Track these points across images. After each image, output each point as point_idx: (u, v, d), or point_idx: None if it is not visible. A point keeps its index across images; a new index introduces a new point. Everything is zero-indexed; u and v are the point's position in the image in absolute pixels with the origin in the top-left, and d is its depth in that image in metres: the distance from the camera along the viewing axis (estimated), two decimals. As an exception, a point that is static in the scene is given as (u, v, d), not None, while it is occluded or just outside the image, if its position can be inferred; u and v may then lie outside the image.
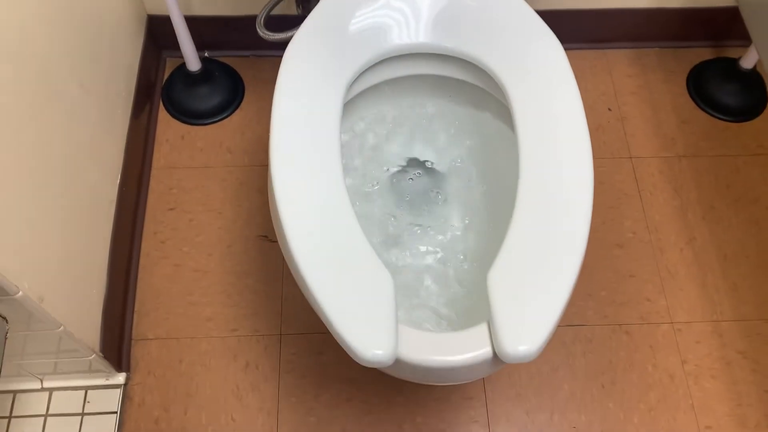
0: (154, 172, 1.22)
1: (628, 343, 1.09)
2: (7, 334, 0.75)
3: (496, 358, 0.68)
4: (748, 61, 1.29)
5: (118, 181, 1.09)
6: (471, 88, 0.91)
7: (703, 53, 1.37)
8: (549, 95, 0.82)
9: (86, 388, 1.03)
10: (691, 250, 1.17)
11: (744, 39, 1.31)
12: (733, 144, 1.27)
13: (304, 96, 0.81)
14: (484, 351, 0.68)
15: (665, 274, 1.15)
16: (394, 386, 1.05)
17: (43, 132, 0.85)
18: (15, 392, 1.03)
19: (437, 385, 1.04)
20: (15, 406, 1.02)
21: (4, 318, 0.76)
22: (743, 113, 1.30)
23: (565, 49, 0.86)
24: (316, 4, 0.90)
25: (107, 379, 1.04)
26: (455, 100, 0.97)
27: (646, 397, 1.05)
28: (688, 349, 1.09)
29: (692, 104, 1.32)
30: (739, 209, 1.21)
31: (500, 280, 0.70)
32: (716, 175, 1.24)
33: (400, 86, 0.95)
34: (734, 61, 1.32)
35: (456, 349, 0.68)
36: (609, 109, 1.31)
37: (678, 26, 1.33)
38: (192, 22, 1.19)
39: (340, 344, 0.67)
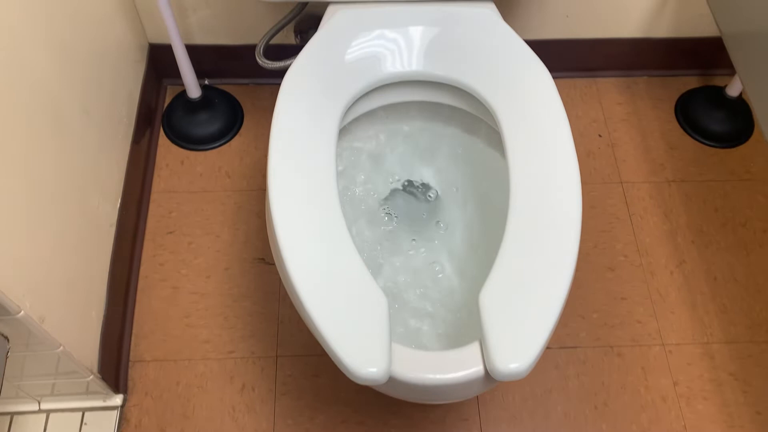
0: (154, 196, 1.24)
1: (620, 364, 1.11)
2: (8, 353, 0.76)
3: (488, 376, 0.69)
4: (733, 89, 1.33)
5: (119, 204, 1.11)
6: (463, 114, 0.94)
7: (690, 81, 1.41)
8: (537, 121, 0.85)
9: (83, 410, 1.04)
10: (681, 273, 1.19)
11: (729, 68, 1.35)
12: (720, 169, 1.30)
13: (301, 122, 0.84)
14: (476, 369, 0.69)
15: (656, 296, 1.17)
16: (389, 408, 1.06)
17: (46, 156, 0.87)
18: (12, 414, 1.03)
19: (432, 407, 1.05)
20: (12, 428, 1.02)
21: (6, 337, 0.77)
22: (730, 139, 1.33)
23: (556, 77, 0.89)
24: (313, 34, 0.93)
25: (104, 401, 1.05)
26: (448, 126, 1.00)
27: (638, 419, 1.06)
28: (679, 371, 1.10)
29: (680, 131, 1.35)
30: (727, 233, 1.23)
31: (491, 299, 0.72)
32: (704, 199, 1.27)
33: (395, 112, 0.98)
34: (720, 89, 1.35)
35: (449, 368, 0.69)
36: (599, 136, 1.34)
37: (665, 55, 1.37)
38: (193, 50, 1.22)
39: (335, 362, 0.69)
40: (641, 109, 1.37)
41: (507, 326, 0.70)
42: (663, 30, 1.32)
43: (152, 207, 1.23)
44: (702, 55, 1.37)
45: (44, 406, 1.04)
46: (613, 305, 1.16)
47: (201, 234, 1.21)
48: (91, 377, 0.97)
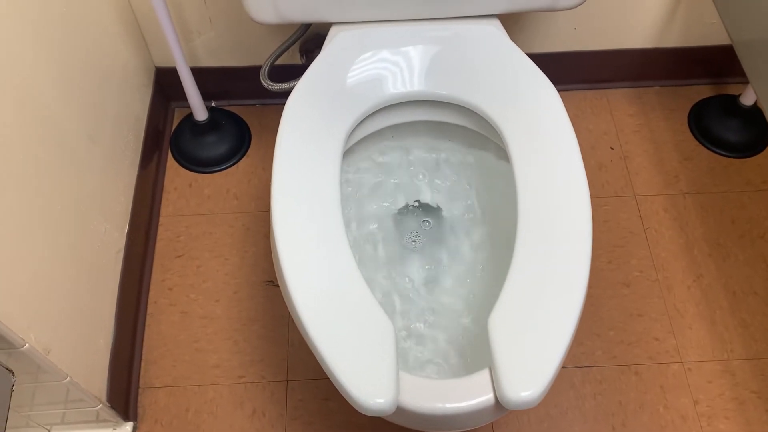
0: (162, 220, 1.24)
1: (637, 383, 1.08)
2: (14, 387, 0.76)
3: (498, 404, 0.67)
4: (748, 98, 1.30)
5: (126, 229, 1.11)
6: (469, 132, 0.93)
7: (702, 91, 1.38)
8: (545, 139, 0.83)
9: (94, 439, 1.04)
10: (698, 288, 1.16)
11: (743, 76, 1.32)
12: (736, 180, 1.27)
13: (304, 146, 0.83)
14: (486, 398, 0.67)
15: (673, 312, 1.14)
16: (401, 432, 1.04)
17: (50, 184, 0.87)
18: (23, 444, 1.03)
19: (445, 431, 1.03)
20: (23, 457, 1.02)
21: (11, 371, 0.77)
22: (745, 149, 1.30)
23: (566, 90, 0.87)
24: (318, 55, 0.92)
25: (114, 429, 1.04)
26: (455, 145, 0.99)
27: (658, 440, 1.03)
28: (699, 389, 1.07)
29: (694, 141, 1.32)
30: (745, 245, 1.20)
31: (501, 324, 0.70)
32: (721, 211, 1.24)
33: (400, 132, 0.97)
34: (734, 98, 1.33)
35: (458, 396, 0.68)
36: (611, 149, 1.32)
37: (676, 65, 1.35)
38: (198, 73, 1.22)
39: (341, 393, 0.68)
40: (653, 121, 1.35)
41: (517, 352, 0.69)
42: (673, 39, 1.30)
43: (160, 231, 1.23)
44: (714, 64, 1.35)
45: (54, 435, 1.03)
46: (630, 322, 1.13)
47: (209, 257, 1.20)
48: (101, 406, 0.96)
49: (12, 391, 0.75)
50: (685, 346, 1.11)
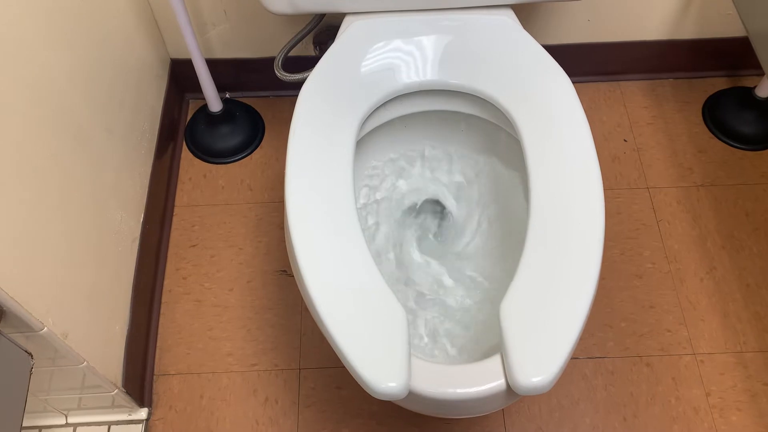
0: (176, 210, 1.25)
1: (649, 375, 1.08)
2: (32, 370, 0.77)
3: (510, 390, 0.68)
4: (763, 90, 1.29)
5: (142, 219, 1.12)
6: (481, 122, 0.93)
7: (717, 83, 1.37)
8: (558, 129, 0.83)
9: (109, 424, 1.05)
10: (711, 280, 1.16)
11: (758, 68, 1.32)
12: (751, 172, 1.27)
13: (317, 135, 0.83)
14: (497, 383, 0.68)
15: (686, 304, 1.14)
16: (413, 421, 1.05)
17: (68, 174, 0.88)
18: (41, 428, 1.04)
19: (457, 419, 1.04)
20: (40, 441, 1.04)
21: (30, 354, 0.78)
22: (760, 141, 1.30)
23: (580, 81, 0.87)
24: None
25: (130, 415, 1.05)
26: (467, 134, 0.99)
27: (669, 431, 1.03)
28: (711, 381, 1.07)
29: (708, 133, 1.32)
30: (759, 237, 1.19)
31: (513, 311, 0.71)
32: (735, 203, 1.23)
33: (413, 122, 0.97)
34: (749, 90, 1.32)
35: (469, 382, 0.68)
36: (625, 140, 1.32)
37: (691, 57, 1.34)
38: (213, 65, 1.23)
39: (354, 377, 0.68)
40: (667, 113, 1.35)
41: (529, 338, 0.69)
42: (688, 31, 1.29)
43: (175, 221, 1.24)
44: (729, 56, 1.34)
45: (71, 419, 1.05)
46: (642, 314, 1.13)
47: (223, 247, 1.21)
48: (116, 391, 0.98)
49: (31, 373, 0.77)
50: (697, 338, 1.11)
